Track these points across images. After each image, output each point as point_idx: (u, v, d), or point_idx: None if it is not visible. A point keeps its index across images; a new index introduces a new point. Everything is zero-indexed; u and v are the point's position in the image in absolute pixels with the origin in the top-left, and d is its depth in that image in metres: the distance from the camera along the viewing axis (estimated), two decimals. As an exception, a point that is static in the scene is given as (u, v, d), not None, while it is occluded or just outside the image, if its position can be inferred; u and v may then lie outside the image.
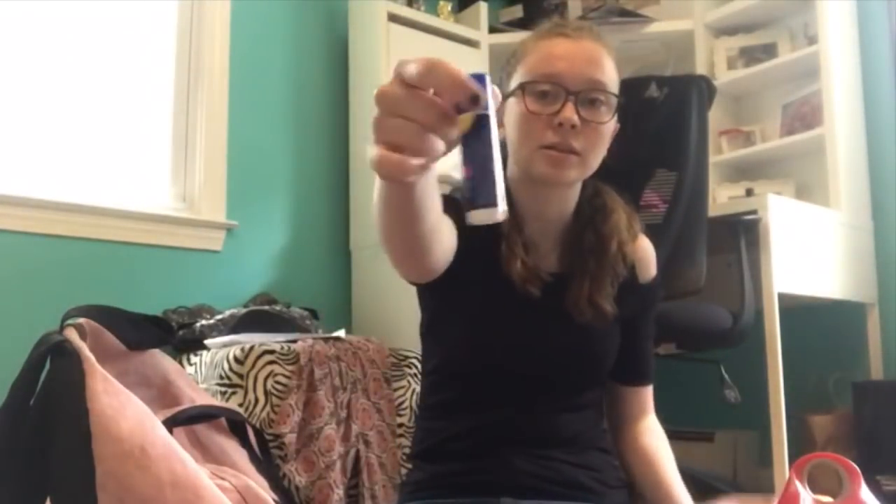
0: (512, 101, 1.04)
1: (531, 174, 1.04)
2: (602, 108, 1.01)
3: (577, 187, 1.09)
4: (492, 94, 0.57)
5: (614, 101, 1.02)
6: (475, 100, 0.54)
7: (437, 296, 1.09)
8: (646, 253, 1.15)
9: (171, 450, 1.20)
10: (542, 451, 1.02)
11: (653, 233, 1.64)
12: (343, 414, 2.00)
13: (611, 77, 1.03)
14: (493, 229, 0.92)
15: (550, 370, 1.05)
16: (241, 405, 1.86)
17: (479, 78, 0.56)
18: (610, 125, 1.03)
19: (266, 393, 1.89)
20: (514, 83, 1.05)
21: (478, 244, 0.99)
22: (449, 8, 3.22)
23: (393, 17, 2.91)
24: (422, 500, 1.05)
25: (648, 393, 1.18)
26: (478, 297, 1.06)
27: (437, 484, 1.06)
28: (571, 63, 1.00)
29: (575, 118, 0.98)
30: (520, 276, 1.04)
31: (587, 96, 1.00)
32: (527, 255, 1.05)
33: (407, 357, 2.17)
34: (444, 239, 0.89)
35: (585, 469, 1.04)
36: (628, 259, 1.10)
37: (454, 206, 0.88)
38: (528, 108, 1.00)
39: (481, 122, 0.57)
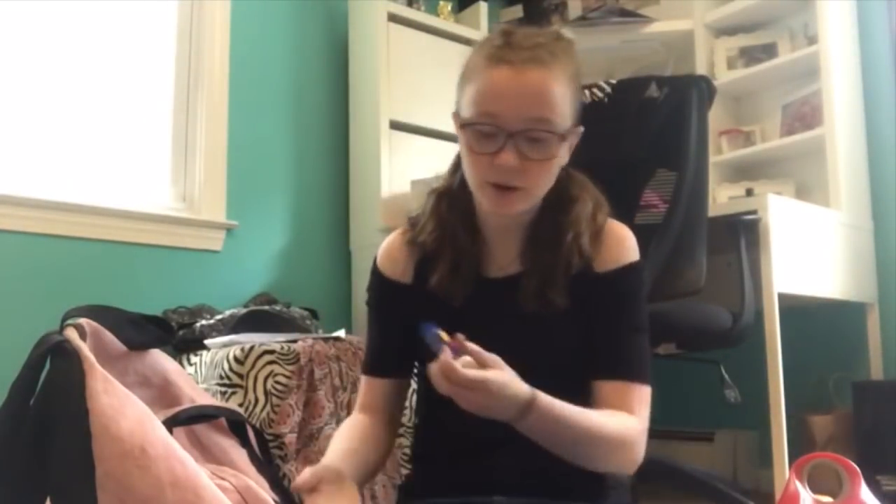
0: (460, 129, 1.04)
1: (481, 204, 1.06)
2: (545, 144, 0.99)
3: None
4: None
5: (561, 133, 1.00)
6: None
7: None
8: (614, 240, 1.09)
9: (171, 450, 1.20)
10: (535, 451, 1.02)
11: (653, 233, 1.64)
12: (343, 414, 2.00)
13: (557, 107, 0.99)
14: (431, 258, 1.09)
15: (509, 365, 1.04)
16: (241, 405, 1.86)
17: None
18: (558, 154, 1.02)
19: (266, 393, 1.88)
20: (462, 105, 1.04)
21: (429, 275, 1.08)
22: (449, 8, 3.22)
23: (393, 17, 2.91)
24: (417, 500, 1.06)
25: (627, 392, 1.03)
26: (434, 314, 1.06)
27: (432, 484, 1.06)
28: (511, 101, 0.97)
29: (512, 161, 0.97)
30: (440, 288, 1.07)
31: (528, 136, 0.98)
32: (464, 266, 1.08)
33: (407, 357, 2.17)
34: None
35: (579, 469, 1.03)
36: (584, 252, 1.05)
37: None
38: (470, 146, 1.01)
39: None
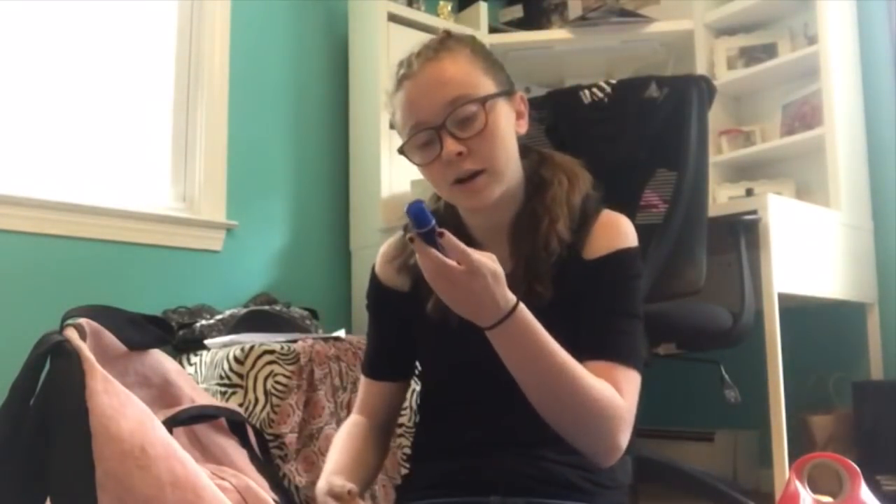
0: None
1: (464, 212, 1.09)
2: (475, 117, 1.01)
3: (515, 181, 1.08)
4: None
5: (480, 102, 1.01)
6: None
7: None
8: (604, 228, 1.07)
9: (171, 450, 1.20)
10: (533, 451, 1.02)
11: (653, 233, 1.64)
12: (343, 414, 2.00)
13: (467, 81, 1.02)
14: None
15: (501, 368, 1.03)
16: (241, 405, 1.86)
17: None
18: (495, 122, 1.02)
19: (266, 393, 1.89)
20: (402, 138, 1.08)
21: (423, 284, 1.05)
22: (449, 8, 3.22)
23: (393, 17, 2.92)
24: (414, 500, 1.06)
25: (614, 372, 1.00)
26: (428, 323, 1.09)
27: (429, 484, 1.06)
28: (423, 102, 1.02)
29: (455, 147, 1.00)
30: (434, 313, 1.06)
31: (453, 120, 1.00)
32: None
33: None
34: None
35: (576, 468, 1.03)
36: (563, 237, 1.04)
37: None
38: (418, 162, 1.05)
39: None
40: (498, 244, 1.10)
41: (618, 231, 1.08)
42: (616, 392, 0.98)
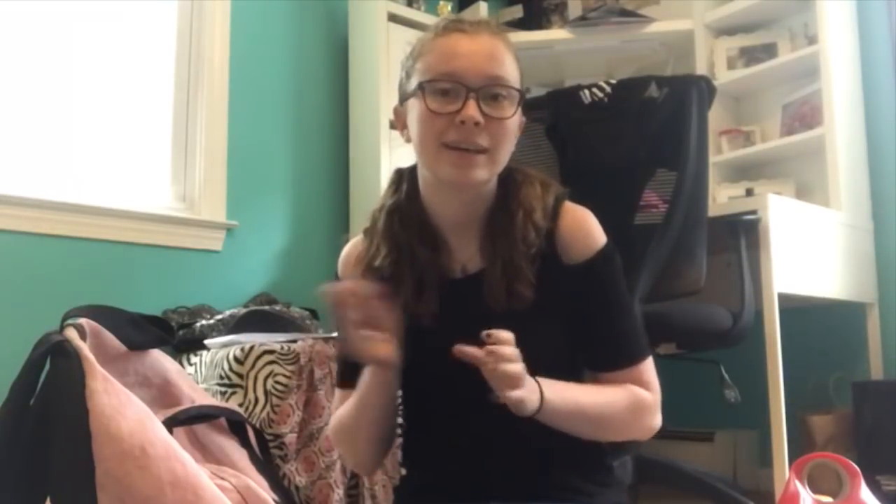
0: (413, 101, 1.03)
1: (438, 176, 1.03)
2: (504, 102, 1.01)
3: (492, 182, 1.07)
4: None
5: (517, 95, 1.02)
6: None
7: None
8: (572, 230, 1.06)
9: (171, 450, 1.21)
10: (529, 453, 1.02)
11: (653, 233, 1.64)
12: (343, 414, 2.00)
13: (511, 72, 1.02)
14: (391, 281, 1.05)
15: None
16: (241, 405, 1.86)
17: None
18: (515, 119, 1.03)
19: (266, 393, 1.89)
20: (413, 83, 1.03)
21: (389, 285, 1.04)
22: (449, 8, 3.22)
23: (393, 17, 2.92)
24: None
25: (636, 373, 1.05)
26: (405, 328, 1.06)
27: (428, 489, 1.06)
28: (470, 60, 1.00)
29: (477, 115, 0.97)
30: (406, 312, 1.03)
31: (489, 92, 0.99)
32: (427, 285, 1.05)
33: (407, 357, 2.17)
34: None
35: (575, 469, 1.03)
36: (540, 227, 1.03)
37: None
38: (429, 106, 0.99)
39: None
40: (465, 241, 1.08)
41: (590, 229, 1.07)
42: (640, 390, 1.04)
